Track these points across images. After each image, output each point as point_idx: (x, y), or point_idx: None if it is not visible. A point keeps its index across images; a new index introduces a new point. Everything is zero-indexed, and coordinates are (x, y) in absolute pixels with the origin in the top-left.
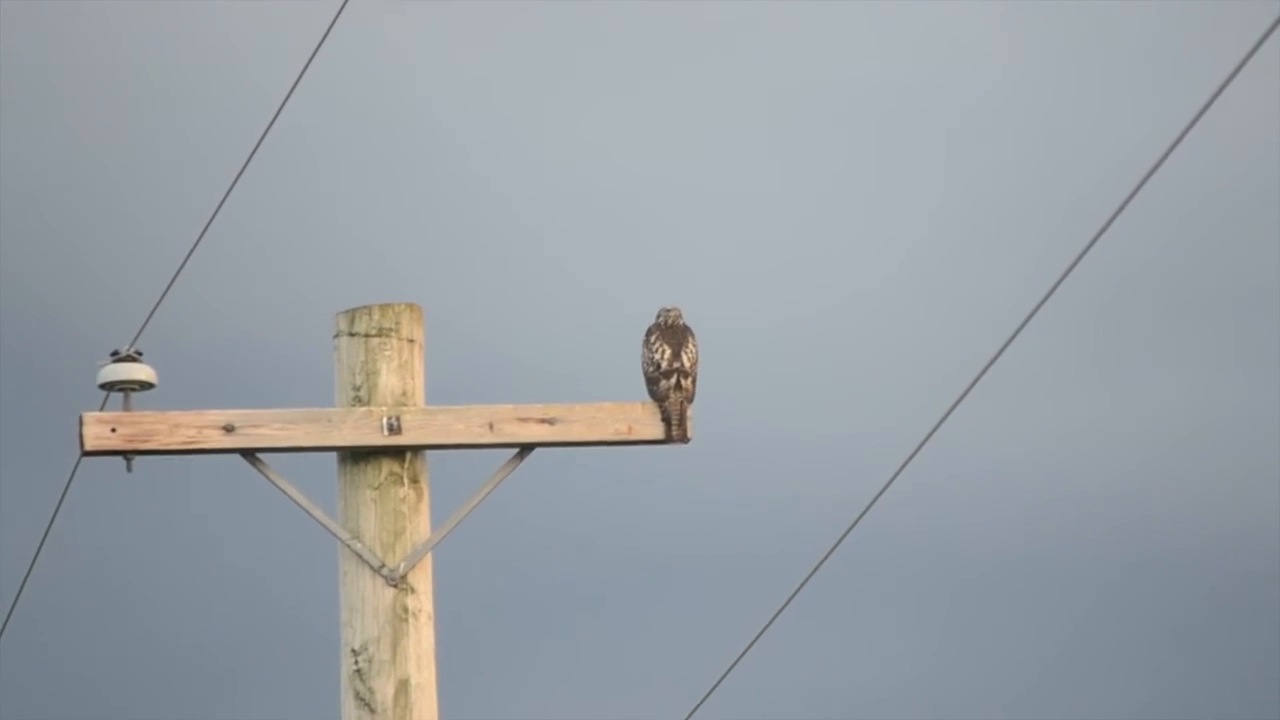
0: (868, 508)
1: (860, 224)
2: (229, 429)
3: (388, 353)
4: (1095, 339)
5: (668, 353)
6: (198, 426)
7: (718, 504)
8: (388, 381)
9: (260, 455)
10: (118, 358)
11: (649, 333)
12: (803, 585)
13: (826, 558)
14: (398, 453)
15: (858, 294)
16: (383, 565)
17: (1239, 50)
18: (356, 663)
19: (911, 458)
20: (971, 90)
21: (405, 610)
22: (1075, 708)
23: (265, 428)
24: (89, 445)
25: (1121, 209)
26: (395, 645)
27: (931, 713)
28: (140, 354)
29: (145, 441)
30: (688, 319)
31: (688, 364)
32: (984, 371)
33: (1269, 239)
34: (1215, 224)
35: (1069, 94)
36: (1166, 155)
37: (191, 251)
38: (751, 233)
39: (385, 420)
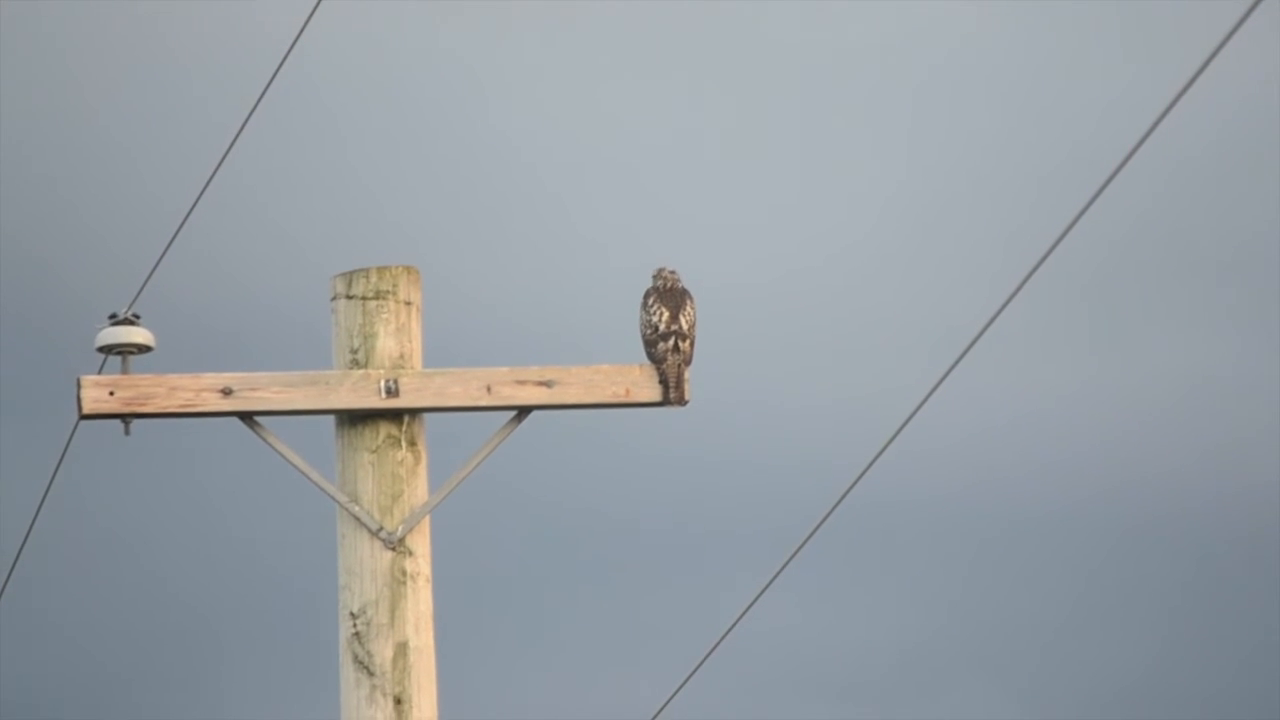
0: (863, 472)
1: (855, 184)
2: (227, 392)
3: (385, 315)
4: (1087, 301)
5: (666, 315)
6: (195, 389)
7: (715, 466)
8: (385, 344)
9: (258, 418)
10: (115, 321)
11: (647, 295)
12: (800, 548)
13: (823, 521)
14: (395, 415)
15: (851, 255)
16: (381, 528)
17: (1231, 10)
18: (355, 626)
19: (906, 423)
20: (963, 47)
21: (403, 573)
22: (1074, 670)
23: (263, 390)
24: (87, 408)
25: (1117, 172)
26: (394, 608)
27: (929, 673)
28: (138, 317)
29: (143, 405)
30: (686, 280)
31: (685, 326)
32: (977, 338)
33: (1258, 200)
34: (1204, 185)
35: (1059, 53)
36: (1160, 119)
37: (189, 214)
38: (750, 195)
39: (383, 383)
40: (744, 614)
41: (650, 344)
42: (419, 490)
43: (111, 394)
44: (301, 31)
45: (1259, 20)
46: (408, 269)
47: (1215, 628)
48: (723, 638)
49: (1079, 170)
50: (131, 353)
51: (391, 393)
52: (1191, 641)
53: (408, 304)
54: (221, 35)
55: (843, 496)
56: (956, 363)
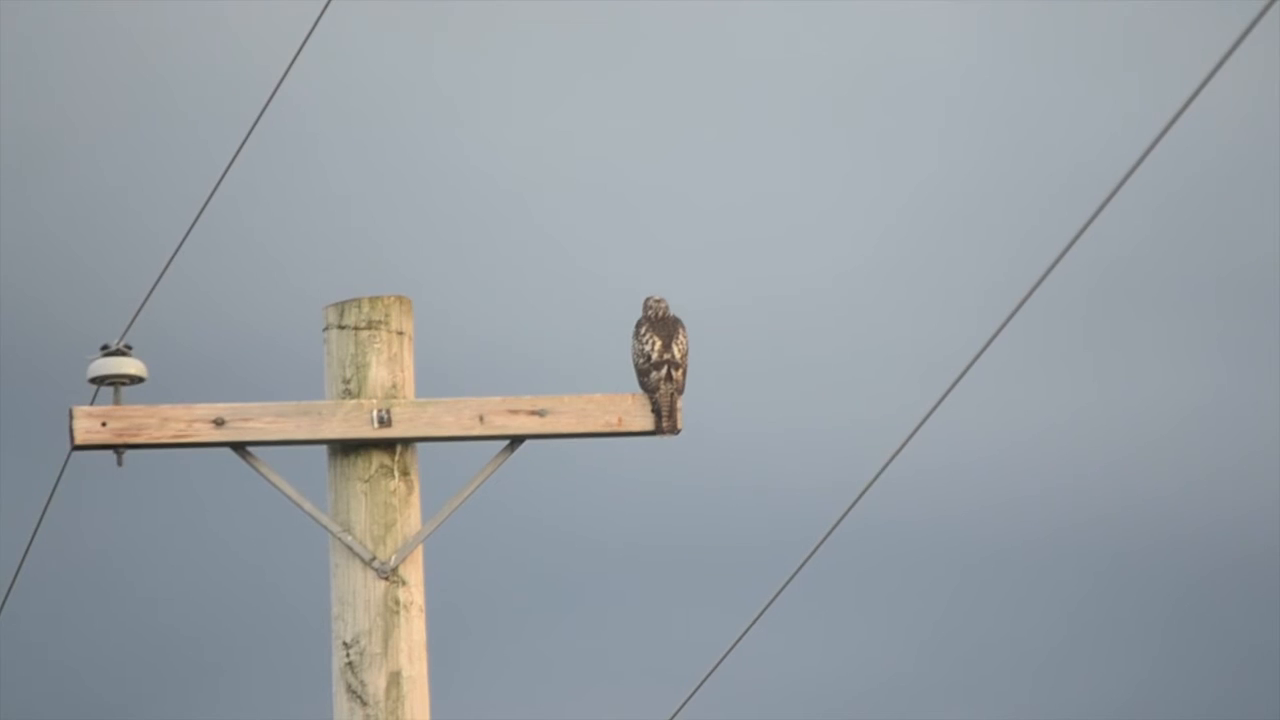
0: (858, 497)
1: (845, 210)
2: (219, 422)
3: (377, 345)
4: (1081, 327)
5: (658, 344)
6: (188, 420)
7: (708, 493)
8: (377, 374)
9: (250, 448)
10: (107, 352)
11: (639, 325)
12: (793, 576)
13: (817, 548)
14: (388, 445)
15: (841, 282)
16: (374, 558)
17: (1225, 35)
18: (348, 655)
19: (902, 448)
20: (955, 73)
21: (396, 603)
22: (1064, 697)
23: (255, 421)
24: (79, 439)
25: (1111, 196)
26: (387, 638)
27: (918, 704)
28: (130, 348)
29: (135, 435)
30: (676, 308)
31: (678, 355)
32: (973, 362)
33: (1254, 226)
34: (1200, 210)
35: (1053, 78)
36: (1156, 142)
37: (181, 245)
38: (739, 222)
39: (375, 413)
40: (737, 642)
41: (643, 373)
42: (412, 520)
43: (104, 425)
44: (291, 65)
45: (1254, 47)
46: (399, 299)
47: (1209, 653)
48: (716, 665)
49: (1072, 197)
50: (124, 383)
51: (384, 423)
52: (1179, 670)
53: (400, 334)
54: (212, 68)
55: (837, 522)
56: (951, 388)
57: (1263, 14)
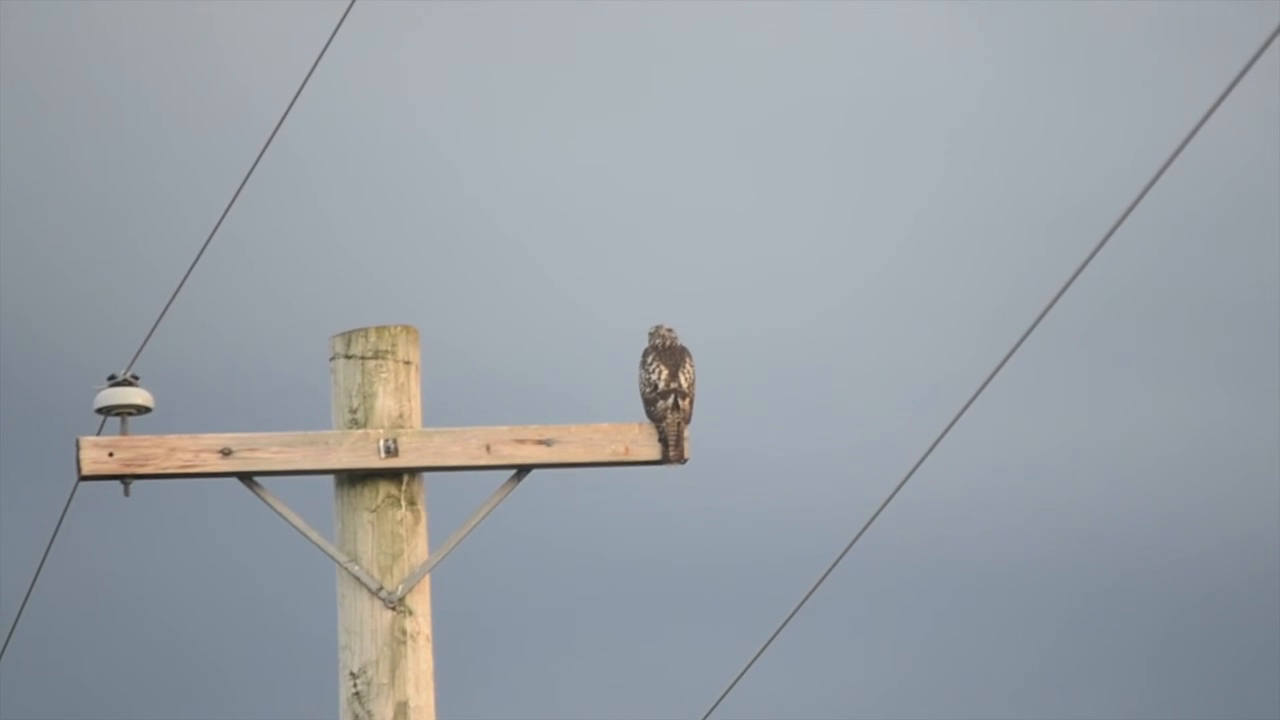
0: (867, 524)
1: (847, 237)
2: (226, 452)
3: (384, 375)
4: (1080, 353)
5: (665, 373)
6: (195, 450)
7: (714, 521)
8: (384, 404)
9: (257, 478)
10: (114, 382)
11: (646, 354)
12: (800, 605)
13: (825, 576)
14: (395, 475)
15: (844, 310)
16: (381, 588)
17: (1230, 67)
18: (355, 686)
19: (912, 473)
20: (957, 103)
21: (403, 633)
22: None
23: (262, 451)
24: (86, 470)
25: (1117, 225)
26: (394, 668)
27: None
28: (137, 378)
29: (142, 466)
30: (682, 336)
31: (685, 384)
32: (982, 388)
33: (1256, 255)
34: (1201, 239)
35: (1056, 108)
36: (1162, 171)
37: (187, 275)
38: (743, 250)
39: (382, 442)
40: (747, 669)
41: (650, 402)
42: (419, 549)
43: (111, 455)
44: (296, 96)
45: (1258, 79)
46: (406, 328)
47: (1199, 680)
48: (725, 693)
49: (1075, 226)
50: (130, 413)
51: (391, 452)
52: (1175, 694)
53: (406, 363)
54: (216, 100)
55: (846, 549)
56: (960, 415)
57: (1266, 45)
